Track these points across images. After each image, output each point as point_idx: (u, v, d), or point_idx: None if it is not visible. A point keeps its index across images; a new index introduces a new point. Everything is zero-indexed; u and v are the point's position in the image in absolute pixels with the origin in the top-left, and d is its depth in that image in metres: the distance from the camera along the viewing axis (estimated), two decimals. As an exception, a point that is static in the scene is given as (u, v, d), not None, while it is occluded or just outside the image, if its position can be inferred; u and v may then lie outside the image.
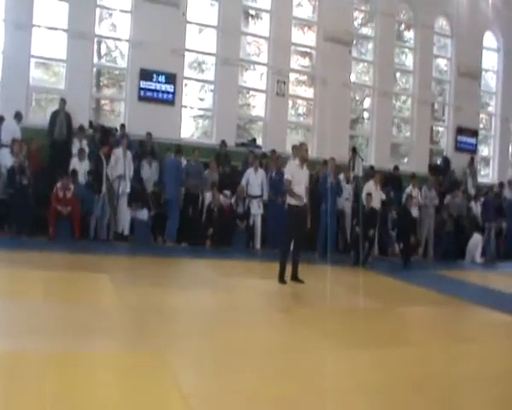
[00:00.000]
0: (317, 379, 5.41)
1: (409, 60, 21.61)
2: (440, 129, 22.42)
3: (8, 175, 13.44)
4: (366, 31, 21.06)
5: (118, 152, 14.27)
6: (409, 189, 16.50)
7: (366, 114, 21.19)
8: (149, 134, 15.63)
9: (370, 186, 15.02)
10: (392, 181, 17.54)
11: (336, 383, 5.35)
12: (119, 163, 14.18)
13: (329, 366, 5.92)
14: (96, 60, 17.00)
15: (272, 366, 5.67)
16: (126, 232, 14.22)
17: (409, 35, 21.68)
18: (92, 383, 4.82)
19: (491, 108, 23.35)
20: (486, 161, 23.19)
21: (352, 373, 5.77)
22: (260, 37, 19.02)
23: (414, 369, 6.01)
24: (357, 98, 21.04)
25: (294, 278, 10.25)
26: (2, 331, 6.03)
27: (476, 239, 17.05)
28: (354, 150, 17.28)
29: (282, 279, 10.11)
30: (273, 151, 16.44)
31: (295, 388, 5.09)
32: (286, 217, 10.47)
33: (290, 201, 10.25)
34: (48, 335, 5.93)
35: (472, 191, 19.50)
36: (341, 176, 15.79)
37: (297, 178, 10.25)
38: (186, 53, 17.65)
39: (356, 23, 20.68)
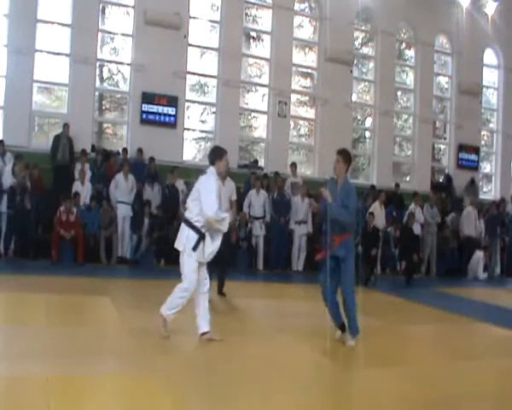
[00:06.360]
0: (315, 398, 5.41)
1: (410, 78, 21.70)
2: (442, 147, 22.45)
3: (8, 195, 13.40)
4: (367, 50, 21.16)
5: (119, 176, 14.40)
6: (411, 207, 16.52)
7: (368, 134, 21.24)
8: (152, 158, 15.67)
9: (375, 206, 15.14)
10: (394, 199, 17.54)
11: (334, 402, 5.37)
12: (121, 187, 14.33)
13: (329, 385, 5.93)
14: (98, 84, 17.10)
15: (271, 383, 5.68)
16: (129, 256, 14.28)
17: (409, 54, 21.79)
18: (95, 405, 4.85)
19: (492, 125, 23.38)
20: (489, 177, 23.21)
21: (353, 393, 5.78)
22: (261, 58, 19.12)
23: (415, 388, 5.98)
24: (359, 118, 21.08)
25: (219, 292, 10.34)
26: (5, 355, 6.04)
27: (478, 256, 17.05)
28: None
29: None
30: (276, 173, 16.55)
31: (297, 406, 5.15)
32: None
33: None
34: (50, 358, 5.95)
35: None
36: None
37: None
38: (188, 76, 17.77)
39: (356, 43, 20.80)
